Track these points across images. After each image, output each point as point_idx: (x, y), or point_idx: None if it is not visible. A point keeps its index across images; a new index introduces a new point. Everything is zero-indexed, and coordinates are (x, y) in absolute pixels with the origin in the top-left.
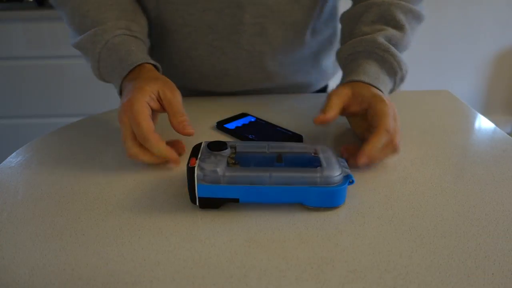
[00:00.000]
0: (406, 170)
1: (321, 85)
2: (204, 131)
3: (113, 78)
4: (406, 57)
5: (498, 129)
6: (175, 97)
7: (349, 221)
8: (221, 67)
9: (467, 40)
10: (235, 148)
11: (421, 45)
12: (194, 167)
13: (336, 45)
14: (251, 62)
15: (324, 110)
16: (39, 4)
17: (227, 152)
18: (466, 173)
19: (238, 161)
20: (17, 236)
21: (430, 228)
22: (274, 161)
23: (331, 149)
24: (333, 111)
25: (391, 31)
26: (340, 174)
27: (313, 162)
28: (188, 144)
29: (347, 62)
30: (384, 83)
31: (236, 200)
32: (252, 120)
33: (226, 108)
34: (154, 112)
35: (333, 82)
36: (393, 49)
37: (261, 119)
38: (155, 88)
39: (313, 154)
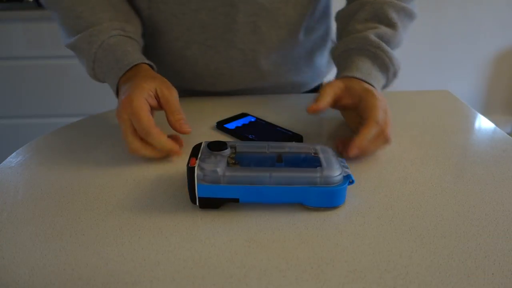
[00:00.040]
0: (406, 170)
1: (316, 83)
2: (204, 131)
3: (109, 78)
4: (406, 57)
5: (498, 129)
6: (172, 95)
7: (349, 221)
8: (215, 66)
9: (467, 40)
10: (235, 148)
11: (421, 45)
12: (194, 167)
13: (329, 44)
14: (244, 61)
15: (316, 99)
16: (39, 4)
17: (227, 152)
18: (466, 173)
19: (238, 161)
20: (17, 236)
21: (430, 228)
22: (274, 161)
23: (331, 149)
24: (325, 100)
25: (383, 29)
26: (340, 174)
27: (313, 162)
28: (188, 144)
29: (340, 59)
30: (376, 78)
31: (236, 200)
32: (252, 120)
33: (226, 108)
34: (151, 110)
35: (327, 80)
36: (384, 45)
37: (261, 119)
38: (153, 85)
39: (313, 154)
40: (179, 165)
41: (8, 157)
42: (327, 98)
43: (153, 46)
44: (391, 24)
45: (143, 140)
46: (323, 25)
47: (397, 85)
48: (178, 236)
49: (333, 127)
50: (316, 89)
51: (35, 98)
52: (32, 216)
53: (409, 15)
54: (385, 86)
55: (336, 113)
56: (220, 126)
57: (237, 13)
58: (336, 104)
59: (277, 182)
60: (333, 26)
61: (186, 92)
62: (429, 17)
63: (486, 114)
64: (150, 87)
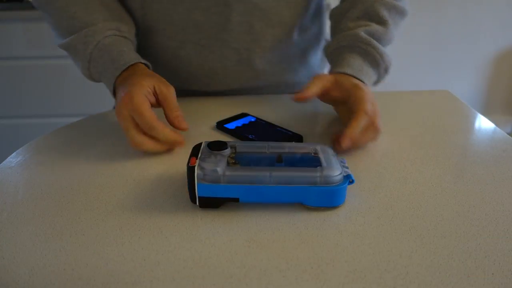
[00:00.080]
0: (406, 170)
1: None
2: (204, 131)
3: (105, 78)
4: (406, 57)
5: (498, 129)
6: (170, 92)
7: (349, 221)
8: (209, 66)
9: (467, 40)
10: (235, 148)
11: (421, 45)
12: (194, 166)
13: (323, 42)
14: (239, 61)
15: (304, 88)
16: None
17: (227, 151)
18: (466, 173)
19: (238, 161)
20: (17, 236)
21: (430, 228)
22: (274, 161)
23: (331, 149)
24: (312, 89)
25: (374, 27)
26: (340, 174)
27: (313, 162)
28: (188, 144)
29: (333, 56)
30: (367, 74)
31: (236, 200)
32: (252, 120)
33: (225, 108)
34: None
35: None
36: (375, 42)
37: (261, 119)
38: (151, 83)
39: (313, 154)
40: (179, 165)
41: (8, 157)
42: (314, 88)
43: (146, 46)
44: (382, 22)
45: (146, 134)
46: (317, 24)
47: (397, 85)
48: (178, 236)
49: (333, 127)
50: None
51: (35, 98)
52: (32, 216)
53: (400, 13)
54: (376, 82)
55: (336, 113)
56: (220, 126)
57: (231, 13)
58: (324, 96)
59: (277, 181)
60: (327, 24)
61: (181, 92)
62: (429, 17)
63: (486, 114)
64: (149, 84)
